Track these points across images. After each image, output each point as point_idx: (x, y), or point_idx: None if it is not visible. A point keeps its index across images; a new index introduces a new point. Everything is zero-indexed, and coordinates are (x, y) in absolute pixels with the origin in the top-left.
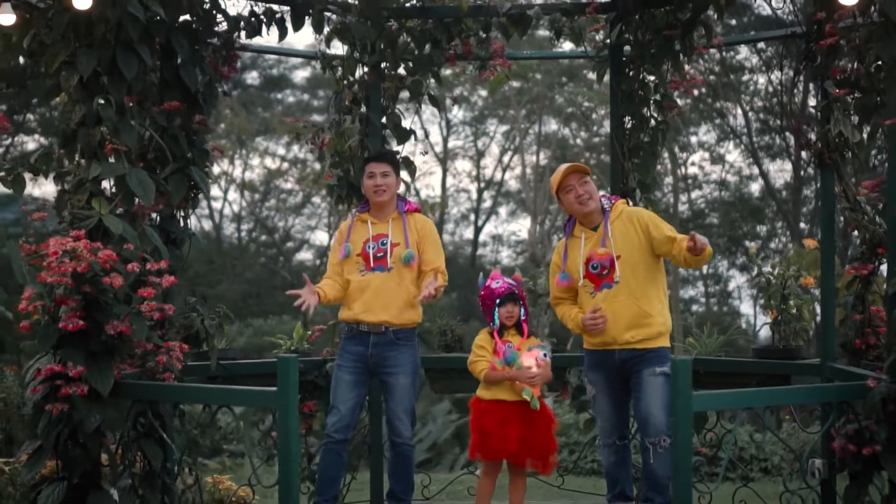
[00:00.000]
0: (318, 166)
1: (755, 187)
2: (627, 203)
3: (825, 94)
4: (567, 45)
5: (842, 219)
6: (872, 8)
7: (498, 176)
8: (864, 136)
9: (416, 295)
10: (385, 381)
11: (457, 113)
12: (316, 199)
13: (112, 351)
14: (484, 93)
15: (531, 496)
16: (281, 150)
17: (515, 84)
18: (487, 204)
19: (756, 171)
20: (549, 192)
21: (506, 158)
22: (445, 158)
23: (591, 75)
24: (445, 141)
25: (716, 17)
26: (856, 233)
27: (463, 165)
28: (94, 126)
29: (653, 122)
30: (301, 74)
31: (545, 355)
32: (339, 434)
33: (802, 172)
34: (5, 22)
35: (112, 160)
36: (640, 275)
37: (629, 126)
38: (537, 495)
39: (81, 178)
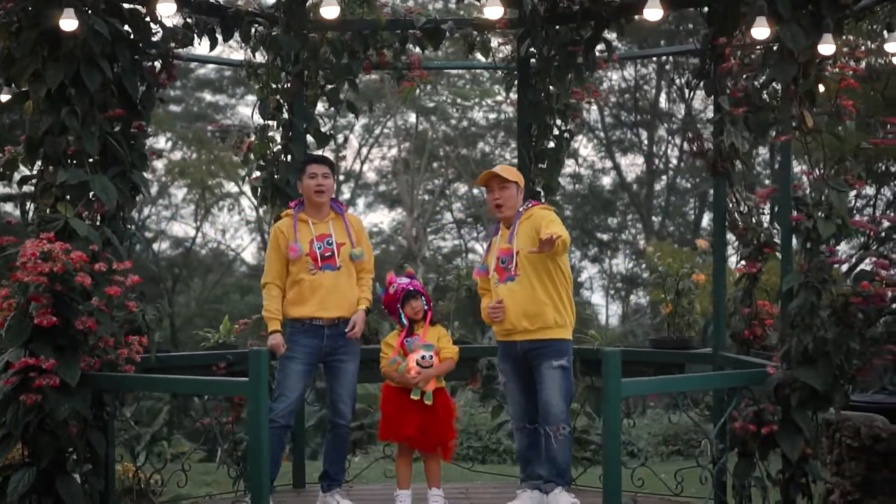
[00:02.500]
0: (175, 157)
1: (607, 181)
2: (549, 210)
3: (718, 109)
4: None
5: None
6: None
7: (357, 167)
8: (760, 148)
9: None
10: (335, 367)
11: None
12: (173, 191)
13: (77, 345)
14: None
15: (450, 478)
16: None
17: (375, 77)
18: (346, 196)
19: (609, 164)
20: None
21: (364, 151)
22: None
23: (452, 72)
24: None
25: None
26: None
27: None
28: (60, 135)
29: (556, 130)
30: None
31: (423, 357)
32: (284, 420)
33: (654, 167)
34: None
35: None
36: (538, 269)
37: (535, 133)
38: (458, 477)
39: (47, 183)
